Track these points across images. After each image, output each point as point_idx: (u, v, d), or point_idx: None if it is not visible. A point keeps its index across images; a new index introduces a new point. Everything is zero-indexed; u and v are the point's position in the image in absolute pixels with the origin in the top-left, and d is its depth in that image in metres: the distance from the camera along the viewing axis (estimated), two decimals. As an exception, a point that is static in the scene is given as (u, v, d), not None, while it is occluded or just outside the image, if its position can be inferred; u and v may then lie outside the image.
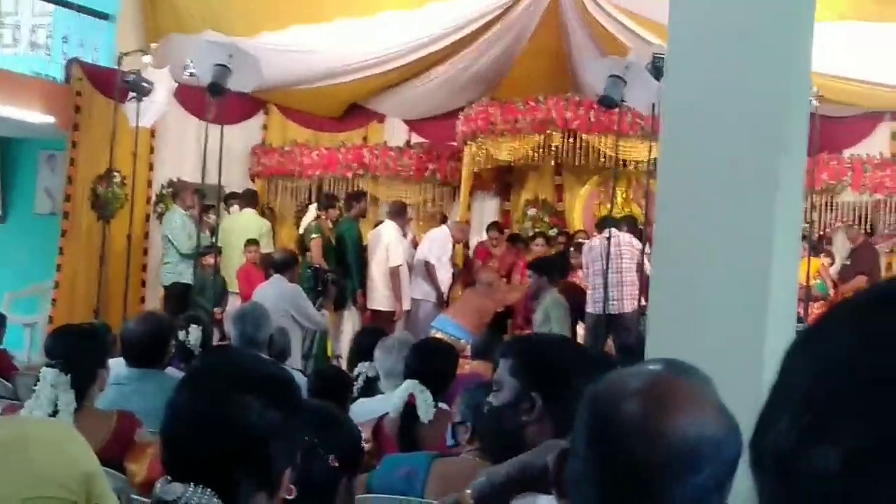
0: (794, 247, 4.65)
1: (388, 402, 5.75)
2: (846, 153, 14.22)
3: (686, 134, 4.58)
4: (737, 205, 4.37)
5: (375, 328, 9.14)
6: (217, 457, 2.25)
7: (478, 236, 15.34)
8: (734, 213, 4.36)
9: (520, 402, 3.14)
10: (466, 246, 15.09)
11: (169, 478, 2.25)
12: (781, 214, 4.31)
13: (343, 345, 12.69)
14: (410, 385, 5.40)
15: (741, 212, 4.35)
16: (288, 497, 2.38)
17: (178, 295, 13.15)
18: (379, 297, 13.46)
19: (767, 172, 4.32)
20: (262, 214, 15.31)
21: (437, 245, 13.84)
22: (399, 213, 13.81)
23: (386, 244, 13.38)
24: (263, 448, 2.28)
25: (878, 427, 0.79)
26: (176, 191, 14.48)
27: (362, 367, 6.90)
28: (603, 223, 12.42)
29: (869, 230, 13.99)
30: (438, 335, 10.90)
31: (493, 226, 15.02)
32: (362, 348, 7.29)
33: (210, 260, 12.56)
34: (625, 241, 11.78)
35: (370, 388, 6.71)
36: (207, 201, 12.13)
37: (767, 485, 0.88)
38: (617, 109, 11.01)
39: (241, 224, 14.44)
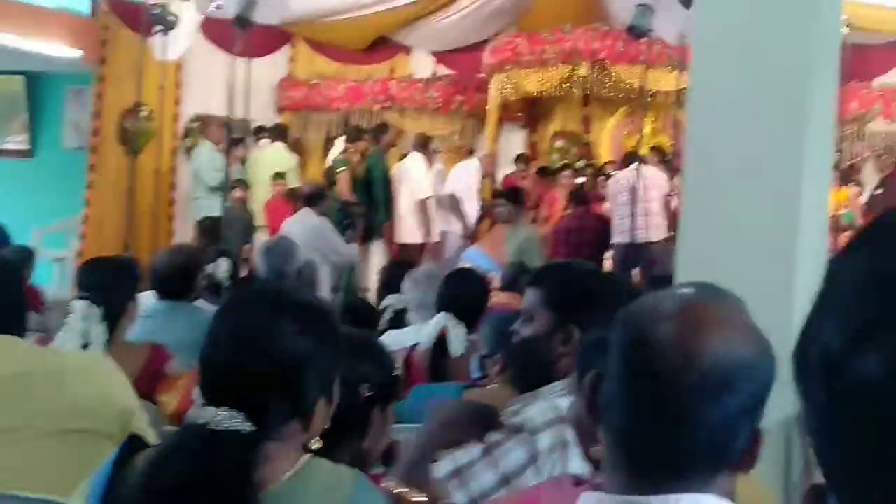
0: (824, 176, 4.62)
1: (417, 333, 5.77)
2: (876, 82, 14.09)
3: (715, 63, 4.55)
4: (766, 134, 4.34)
5: (402, 261, 9.14)
6: (250, 380, 2.27)
7: (505, 168, 15.29)
8: (764, 143, 4.34)
9: (555, 334, 3.12)
10: (493, 178, 15.03)
11: (204, 402, 2.27)
12: (811, 143, 4.28)
13: (371, 277, 12.70)
14: (443, 318, 5.40)
15: (771, 141, 4.32)
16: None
17: (208, 228, 13.17)
18: (407, 230, 13.46)
19: (797, 101, 4.29)
20: (291, 148, 15.26)
21: (465, 177, 13.82)
22: (424, 145, 13.77)
23: (412, 177, 13.35)
24: (297, 374, 2.29)
25: None
26: (203, 124, 14.47)
27: (390, 300, 6.89)
28: (628, 158, 12.42)
29: (900, 158, 13.89)
30: (467, 267, 10.91)
31: (520, 157, 14.99)
32: (390, 281, 7.28)
33: (238, 193, 12.59)
34: (650, 174, 11.78)
35: (398, 320, 6.71)
36: (235, 135, 12.10)
37: (811, 393, 0.87)
38: (645, 39, 10.93)
39: (269, 158, 14.43)
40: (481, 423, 2.96)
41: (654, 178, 11.84)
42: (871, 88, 13.94)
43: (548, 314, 3.15)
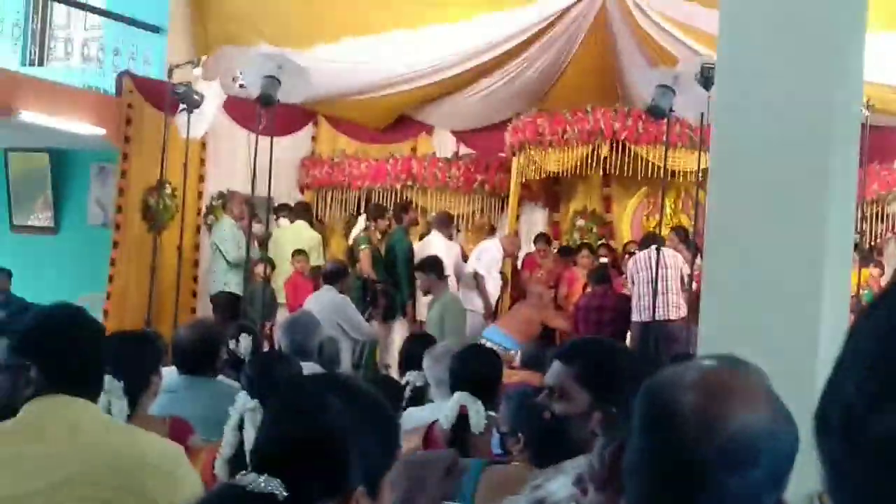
0: (846, 257, 4.63)
1: (437, 410, 5.75)
2: (896, 164, 14.12)
3: (737, 144, 4.57)
4: (788, 216, 4.36)
5: (425, 335, 9.14)
6: (293, 448, 2.28)
7: (526, 248, 15.33)
8: (785, 224, 4.36)
9: (592, 412, 3.10)
10: (515, 258, 15.07)
11: (248, 470, 2.30)
12: (833, 225, 4.30)
13: (393, 355, 12.69)
14: (461, 397, 5.39)
15: (793, 222, 4.34)
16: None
17: (224, 304, 13.21)
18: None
19: (819, 183, 4.31)
20: (313, 226, 15.33)
21: (487, 257, 13.86)
22: (445, 223, 13.81)
23: (426, 253, 13.40)
24: (342, 451, 2.30)
25: None
26: (225, 201, 14.56)
27: (410, 376, 6.89)
28: (646, 240, 12.52)
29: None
30: (488, 345, 10.91)
31: (540, 237, 15.04)
32: (411, 356, 7.28)
33: (261, 271, 12.65)
34: (669, 255, 11.88)
35: (419, 397, 6.71)
36: (257, 212, 12.16)
37: (833, 452, 0.88)
38: (665, 120, 10.99)
39: (291, 236, 14.50)
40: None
41: (672, 258, 11.93)
42: (892, 170, 13.96)
43: (583, 392, 3.13)
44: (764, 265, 4.38)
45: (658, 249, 11.22)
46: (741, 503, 1.65)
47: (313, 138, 16.86)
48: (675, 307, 11.80)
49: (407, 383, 6.81)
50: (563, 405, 3.15)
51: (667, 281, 11.71)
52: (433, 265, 12.20)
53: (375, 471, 2.38)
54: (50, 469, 3.06)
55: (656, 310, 11.42)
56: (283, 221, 14.77)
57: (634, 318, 12.13)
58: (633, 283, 12.31)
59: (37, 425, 3.15)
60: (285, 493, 2.23)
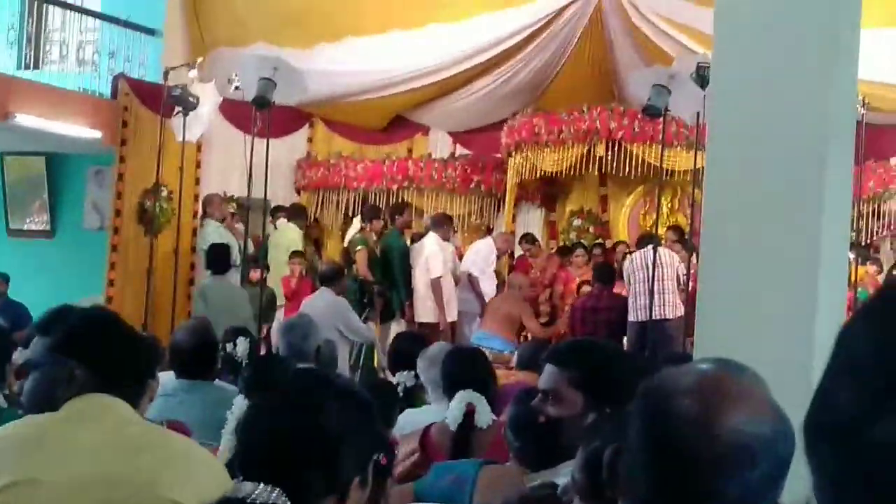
0: (842, 253, 4.63)
1: (435, 412, 5.76)
2: (893, 161, 14.11)
3: (731, 143, 4.57)
4: (783, 214, 4.36)
5: (413, 334, 9.12)
6: (290, 455, 2.30)
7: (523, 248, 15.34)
8: (781, 223, 4.36)
9: (586, 415, 3.10)
10: (512, 257, 15.08)
11: (241, 477, 2.29)
12: (829, 222, 4.30)
13: (391, 356, 12.69)
14: (467, 395, 5.38)
15: (788, 221, 4.34)
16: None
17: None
18: (424, 309, 13.45)
19: (814, 181, 4.31)
20: (308, 227, 15.31)
21: (481, 257, 13.87)
22: (440, 224, 13.79)
23: (426, 256, 13.39)
24: (336, 452, 2.31)
25: None
26: (205, 203, 14.54)
27: (401, 377, 6.89)
28: (643, 239, 12.51)
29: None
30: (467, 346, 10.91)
31: (525, 237, 15.04)
32: (401, 356, 7.29)
33: (256, 274, 12.64)
34: (665, 255, 11.86)
35: (410, 396, 6.71)
36: (251, 213, 12.14)
37: (825, 461, 0.87)
38: (661, 119, 10.99)
39: (283, 237, 14.46)
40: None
41: (668, 257, 11.93)
42: (888, 167, 13.96)
43: (578, 395, 3.12)
44: (759, 264, 4.38)
45: (655, 249, 11.22)
46: (738, 507, 1.65)
47: (309, 140, 16.86)
48: (671, 306, 11.79)
49: (397, 384, 6.80)
50: (558, 408, 3.15)
51: (663, 281, 11.71)
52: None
53: (366, 459, 2.40)
54: (100, 459, 3.08)
55: (653, 309, 11.41)
56: (281, 223, 14.73)
57: (631, 318, 12.11)
58: (629, 283, 12.29)
59: (90, 413, 3.18)
60: (286, 502, 2.23)
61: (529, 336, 12.58)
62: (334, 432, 2.32)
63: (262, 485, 2.24)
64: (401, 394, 6.67)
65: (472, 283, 13.59)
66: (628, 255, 13.05)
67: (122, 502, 3.06)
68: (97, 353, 3.29)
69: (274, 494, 2.23)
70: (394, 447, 3.11)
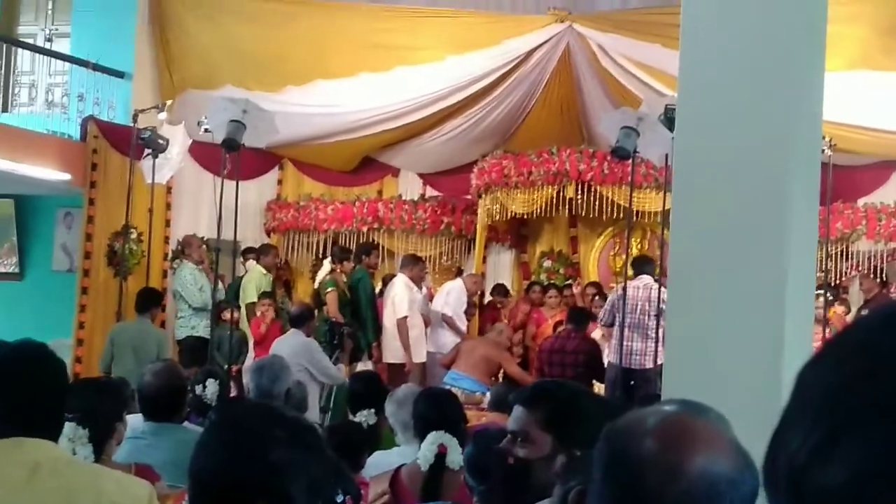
0: (808, 295, 4.65)
1: (405, 454, 5.75)
2: (861, 202, 14.21)
3: (697, 184, 4.60)
4: (748, 254, 4.38)
5: (370, 374, 9.10)
6: (240, 489, 2.28)
7: (493, 289, 15.35)
8: (746, 263, 4.38)
9: (555, 456, 3.08)
10: (482, 298, 15.09)
11: None
12: (794, 261, 4.32)
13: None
14: (439, 436, 5.38)
15: (753, 260, 4.36)
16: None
17: (191, 348, 13.16)
18: (392, 350, 13.43)
19: (778, 221, 4.34)
20: (278, 269, 15.26)
21: (453, 298, 13.85)
22: (409, 264, 13.79)
23: (393, 295, 13.39)
24: (286, 483, 2.30)
25: (885, 445, 0.79)
26: (182, 246, 14.51)
27: (361, 416, 6.90)
28: (638, 264, 12.32)
29: (884, 279, 13.96)
30: (454, 391, 10.87)
31: (497, 288, 15.03)
32: (359, 396, 7.30)
33: (227, 315, 12.60)
34: (653, 293, 11.67)
35: (373, 435, 6.72)
36: (219, 256, 12.12)
37: (780, 502, 0.88)
38: (630, 161, 11.03)
39: (251, 278, 14.38)
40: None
41: (655, 293, 11.74)
42: (856, 208, 14.05)
43: (546, 436, 3.11)
44: (726, 303, 4.40)
45: (652, 287, 11.24)
46: (703, 548, 1.65)
47: (279, 181, 16.88)
48: (651, 354, 11.60)
49: (358, 426, 6.79)
50: (527, 449, 3.13)
51: (646, 328, 11.57)
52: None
53: (318, 494, 2.39)
54: None
55: (634, 356, 11.37)
56: (249, 264, 14.69)
57: (611, 359, 11.86)
58: (612, 322, 12.02)
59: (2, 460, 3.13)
60: None
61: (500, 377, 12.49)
62: (283, 464, 2.31)
63: None
64: (360, 435, 6.66)
65: (448, 323, 13.56)
66: (612, 289, 12.95)
67: None
68: (13, 392, 3.20)
69: None
70: (361, 488, 3.10)
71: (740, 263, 4.39)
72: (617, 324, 11.79)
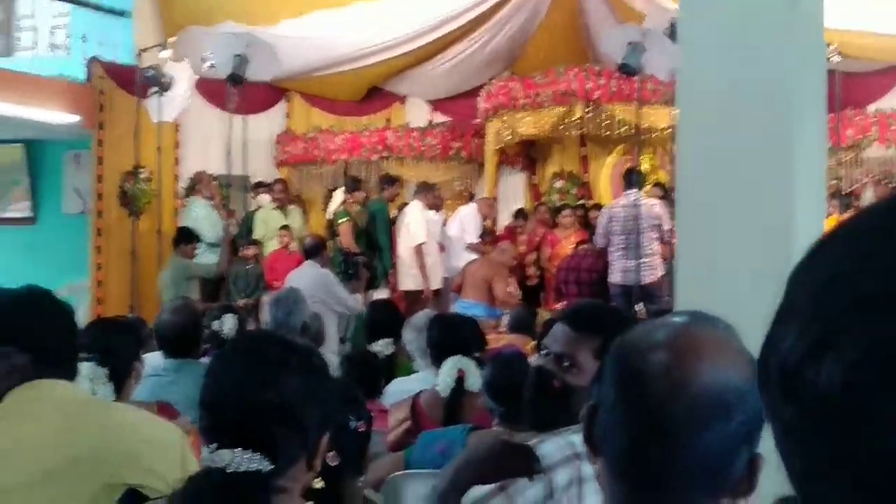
0: (818, 202, 4.64)
1: (423, 380, 5.78)
2: (871, 108, 14.13)
3: (702, 97, 4.58)
4: (755, 165, 4.36)
5: (387, 302, 9.09)
6: (258, 419, 2.27)
7: (506, 211, 15.34)
8: (753, 173, 4.36)
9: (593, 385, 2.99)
10: (494, 222, 15.08)
11: (214, 445, 2.28)
12: (802, 170, 4.31)
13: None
14: (457, 361, 5.39)
15: (760, 171, 4.34)
16: (331, 464, 2.43)
17: (207, 284, 13.19)
18: (408, 277, 13.46)
19: (784, 130, 4.32)
20: (290, 202, 15.24)
21: (467, 222, 13.86)
22: (423, 191, 13.78)
23: (408, 223, 13.38)
24: (301, 410, 2.30)
25: (877, 344, 0.79)
26: (194, 182, 14.50)
27: (378, 346, 6.89)
28: (628, 176, 12.34)
29: (897, 184, 13.92)
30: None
31: (519, 213, 14.99)
32: (377, 325, 7.29)
33: (248, 252, 12.65)
34: (645, 209, 11.70)
35: (390, 365, 6.74)
36: (235, 191, 12.16)
37: (774, 405, 0.88)
38: (637, 77, 10.99)
39: (263, 213, 14.38)
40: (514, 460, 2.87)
41: (647, 209, 11.76)
42: (867, 115, 13.97)
43: (596, 364, 2.99)
44: (734, 216, 4.39)
45: (641, 202, 11.20)
46: (712, 459, 1.66)
47: (287, 115, 16.81)
48: (649, 269, 11.64)
49: (375, 354, 6.79)
50: (575, 375, 3.04)
51: (642, 237, 11.59)
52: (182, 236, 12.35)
53: (329, 417, 2.41)
54: (46, 453, 3.06)
55: (640, 272, 11.40)
56: (262, 198, 14.66)
57: (612, 279, 11.96)
58: (608, 241, 12.08)
59: (28, 409, 3.14)
60: (271, 466, 2.23)
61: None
62: (300, 390, 2.31)
63: (239, 449, 2.24)
64: (378, 363, 6.67)
65: (473, 249, 13.50)
66: (603, 209, 12.98)
67: (70, 490, 3.05)
68: (33, 336, 3.20)
69: (257, 458, 2.23)
70: (375, 415, 3.13)
71: (747, 171, 4.37)
72: (612, 243, 11.85)
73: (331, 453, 2.72)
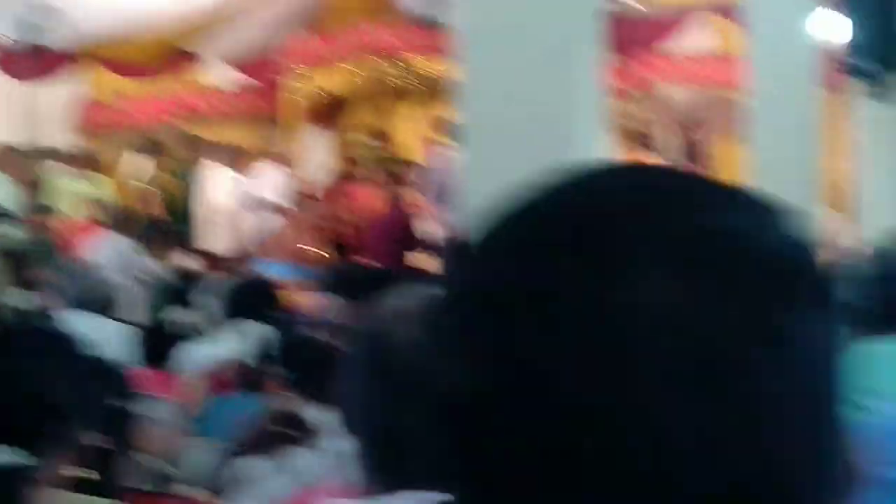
0: (595, 143, 4.71)
1: (221, 346, 5.71)
2: (662, 49, 14.33)
3: (485, 51, 4.65)
4: (534, 110, 4.44)
5: (186, 270, 9.00)
6: (14, 414, 2.23)
7: (312, 170, 15.27)
8: (533, 119, 4.43)
9: None
10: (300, 181, 15.00)
11: None
12: (579, 112, 4.40)
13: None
14: (254, 327, 5.34)
15: (539, 117, 4.42)
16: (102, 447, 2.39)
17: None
18: (213, 240, 13.36)
19: (561, 76, 4.40)
20: (89, 169, 14.89)
21: (273, 182, 13.81)
22: (227, 154, 13.69)
23: (213, 187, 13.31)
24: (58, 400, 2.25)
25: (500, 348, 0.77)
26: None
27: (174, 311, 6.81)
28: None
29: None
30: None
31: (324, 171, 14.99)
32: (175, 290, 7.22)
33: (40, 220, 12.36)
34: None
35: (186, 332, 6.65)
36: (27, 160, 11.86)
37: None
38: (437, 28, 11.00)
39: (64, 182, 14.07)
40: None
41: None
42: (657, 56, 14.19)
43: None
44: (515, 159, 4.43)
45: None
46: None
47: (86, 80, 16.39)
48: None
49: (171, 322, 6.70)
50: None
51: None
52: None
53: (91, 404, 2.36)
54: None
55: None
56: (57, 166, 14.25)
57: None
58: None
59: None
60: (30, 459, 2.18)
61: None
62: (53, 379, 2.26)
63: None
64: (174, 331, 6.57)
65: (277, 209, 13.44)
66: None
67: None
68: None
69: (14, 454, 2.18)
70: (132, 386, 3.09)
71: (526, 117, 4.45)
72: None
73: (99, 437, 2.67)
